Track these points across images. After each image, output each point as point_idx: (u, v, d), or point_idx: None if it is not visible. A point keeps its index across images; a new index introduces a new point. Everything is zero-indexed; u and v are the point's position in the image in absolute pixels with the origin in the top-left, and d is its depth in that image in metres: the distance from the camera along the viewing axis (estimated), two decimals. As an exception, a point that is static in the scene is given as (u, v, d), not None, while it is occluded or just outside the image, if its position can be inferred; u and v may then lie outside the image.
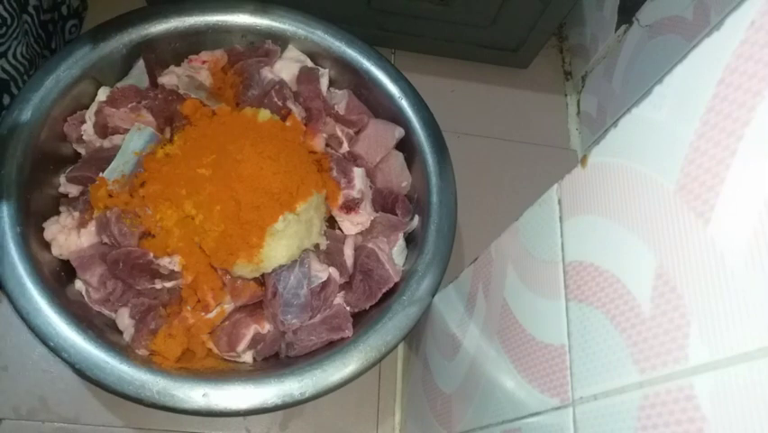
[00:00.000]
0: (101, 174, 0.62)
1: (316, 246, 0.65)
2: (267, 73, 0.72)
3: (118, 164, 0.63)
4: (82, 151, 0.67)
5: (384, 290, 0.64)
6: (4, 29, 0.63)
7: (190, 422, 0.67)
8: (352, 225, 0.69)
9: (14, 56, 0.66)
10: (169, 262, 0.60)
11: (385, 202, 0.71)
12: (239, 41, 0.75)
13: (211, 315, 0.62)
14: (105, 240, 0.61)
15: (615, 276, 0.31)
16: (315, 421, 0.71)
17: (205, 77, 0.72)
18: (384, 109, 0.74)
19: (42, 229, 0.62)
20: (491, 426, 0.44)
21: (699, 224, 0.26)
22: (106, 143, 0.66)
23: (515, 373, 0.41)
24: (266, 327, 0.62)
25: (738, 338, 0.23)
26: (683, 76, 0.27)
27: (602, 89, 0.88)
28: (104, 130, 0.66)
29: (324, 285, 0.63)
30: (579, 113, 0.96)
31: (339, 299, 0.65)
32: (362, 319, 0.64)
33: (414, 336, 0.71)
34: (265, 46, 0.74)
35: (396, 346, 0.61)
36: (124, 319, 0.60)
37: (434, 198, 0.68)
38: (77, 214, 0.63)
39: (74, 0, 0.83)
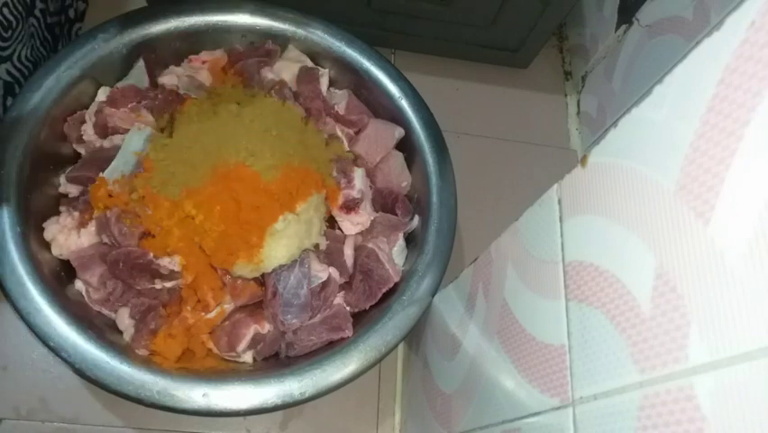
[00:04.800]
0: (101, 174, 0.62)
1: (316, 246, 0.65)
2: (267, 73, 0.72)
3: (118, 164, 0.63)
4: (82, 151, 0.67)
5: (384, 290, 0.64)
6: (10, 32, 0.63)
7: (190, 422, 0.67)
8: (351, 225, 0.69)
9: (19, 59, 0.66)
10: (169, 262, 0.60)
11: (385, 202, 0.71)
12: (239, 41, 0.75)
13: (211, 315, 0.62)
14: (105, 240, 0.61)
15: (615, 276, 0.31)
16: (315, 421, 0.71)
17: (205, 77, 0.72)
18: (384, 109, 0.74)
19: (42, 229, 0.62)
20: (491, 426, 0.44)
21: (699, 224, 0.26)
22: (106, 143, 0.66)
23: (515, 373, 0.41)
24: (266, 327, 0.62)
25: (738, 338, 0.23)
26: (683, 76, 0.27)
27: (602, 89, 0.88)
28: (104, 130, 0.66)
29: (324, 285, 0.63)
30: (579, 113, 0.96)
31: (339, 299, 0.65)
32: (362, 319, 0.64)
33: (414, 336, 0.71)
34: (265, 46, 0.74)
35: (396, 346, 0.61)
36: (124, 319, 0.60)
37: (434, 198, 0.68)
38: (77, 214, 0.63)
39: (80, 3, 0.83)
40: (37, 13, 0.70)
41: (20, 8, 0.64)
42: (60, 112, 0.66)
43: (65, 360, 0.54)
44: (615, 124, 0.32)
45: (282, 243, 0.61)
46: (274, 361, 0.63)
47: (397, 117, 0.73)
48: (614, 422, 0.30)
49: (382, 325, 0.61)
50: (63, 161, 0.66)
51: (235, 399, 0.56)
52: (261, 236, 0.60)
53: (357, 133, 0.73)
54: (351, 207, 0.68)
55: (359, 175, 0.68)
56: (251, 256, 0.59)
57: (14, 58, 0.65)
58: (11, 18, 0.62)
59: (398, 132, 0.73)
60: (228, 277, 0.62)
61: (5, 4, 0.61)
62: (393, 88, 0.73)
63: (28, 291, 0.55)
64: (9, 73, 0.65)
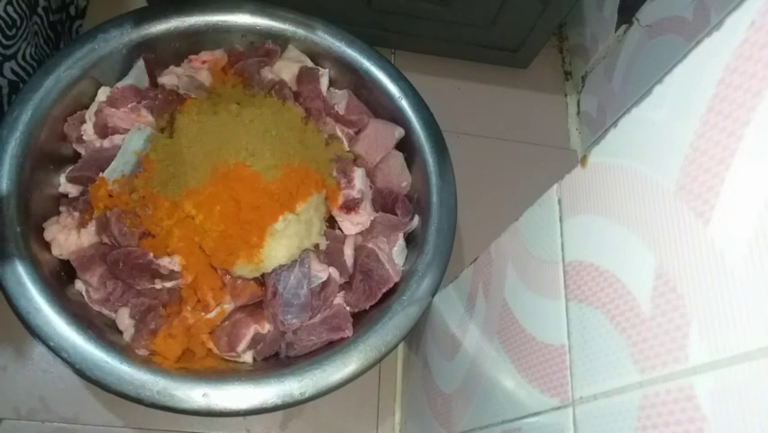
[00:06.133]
0: (101, 174, 0.62)
1: (316, 246, 0.65)
2: (267, 73, 0.72)
3: (118, 164, 0.63)
4: (82, 151, 0.67)
5: (384, 290, 0.64)
6: (14, 30, 0.63)
7: (190, 422, 0.67)
8: (351, 225, 0.69)
9: (24, 57, 0.66)
10: (169, 262, 0.60)
11: (385, 202, 0.71)
12: (239, 41, 0.75)
13: (211, 315, 0.62)
14: (105, 240, 0.61)
15: (615, 276, 0.31)
16: (315, 421, 0.71)
17: (205, 77, 0.72)
18: (384, 109, 0.74)
19: (42, 229, 0.62)
20: (491, 426, 0.44)
21: (699, 224, 0.26)
22: (106, 143, 0.66)
23: (515, 373, 0.41)
24: (266, 327, 0.62)
25: (738, 338, 0.23)
26: (683, 76, 0.27)
27: (602, 89, 0.88)
28: (104, 130, 0.66)
29: (324, 285, 0.63)
30: (579, 113, 0.96)
31: (339, 299, 0.65)
32: (362, 319, 0.64)
33: (414, 336, 0.71)
34: (265, 46, 0.74)
35: (396, 346, 0.61)
36: (124, 319, 0.60)
37: (434, 198, 0.68)
38: (77, 214, 0.63)
39: (81, 0, 0.83)
40: (40, 11, 0.70)
41: (23, 6, 0.64)
42: (60, 112, 0.66)
43: (65, 360, 0.54)
44: (615, 124, 0.32)
45: (282, 243, 0.61)
46: (274, 361, 0.63)
47: (397, 117, 0.73)
48: (614, 422, 0.30)
49: (382, 325, 0.61)
50: (63, 161, 0.66)
51: (235, 399, 0.56)
52: (261, 236, 0.60)
53: (357, 133, 0.73)
54: (351, 207, 0.68)
55: (359, 175, 0.68)
56: (251, 256, 0.59)
57: (19, 56, 0.65)
58: (15, 16, 0.62)
59: (398, 132, 0.73)
60: (228, 277, 0.62)
61: (9, 2, 0.61)
62: (393, 88, 0.73)
63: (28, 291, 0.55)
64: (13, 71, 0.65)
